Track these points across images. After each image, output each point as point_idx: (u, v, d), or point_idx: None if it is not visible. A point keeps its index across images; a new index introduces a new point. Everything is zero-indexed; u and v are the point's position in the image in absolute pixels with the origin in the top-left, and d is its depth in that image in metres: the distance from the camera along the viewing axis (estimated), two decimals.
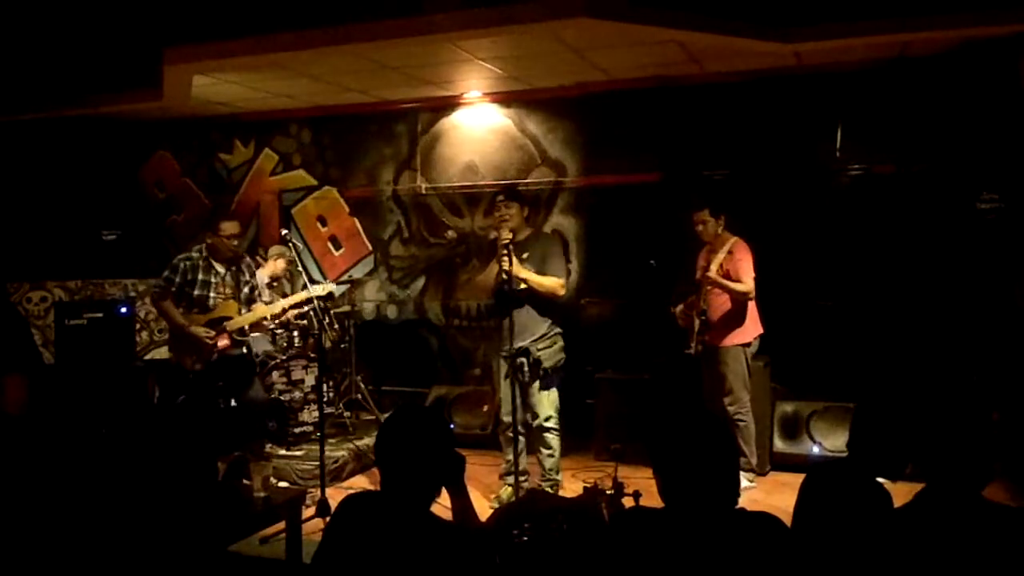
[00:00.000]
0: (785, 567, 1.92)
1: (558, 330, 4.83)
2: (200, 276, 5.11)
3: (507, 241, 4.55)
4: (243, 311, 5.18)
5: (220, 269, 5.17)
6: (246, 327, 5.22)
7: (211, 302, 5.13)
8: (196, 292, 5.10)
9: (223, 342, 5.08)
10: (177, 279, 5.10)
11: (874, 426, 2.22)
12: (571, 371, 5.09)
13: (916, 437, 2.12)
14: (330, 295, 5.52)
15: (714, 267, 4.94)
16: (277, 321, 5.79)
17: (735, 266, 4.97)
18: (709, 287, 5.01)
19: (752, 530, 1.99)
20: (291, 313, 6.46)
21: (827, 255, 6.03)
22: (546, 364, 4.71)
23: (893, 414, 2.19)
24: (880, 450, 2.15)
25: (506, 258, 4.49)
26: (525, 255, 4.74)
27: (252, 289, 5.30)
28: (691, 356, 5.18)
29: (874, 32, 4.71)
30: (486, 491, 5.12)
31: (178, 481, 3.48)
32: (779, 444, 5.62)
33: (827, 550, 1.84)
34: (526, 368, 4.68)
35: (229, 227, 5.11)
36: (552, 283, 4.69)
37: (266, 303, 5.67)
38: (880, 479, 2.47)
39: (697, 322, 5.08)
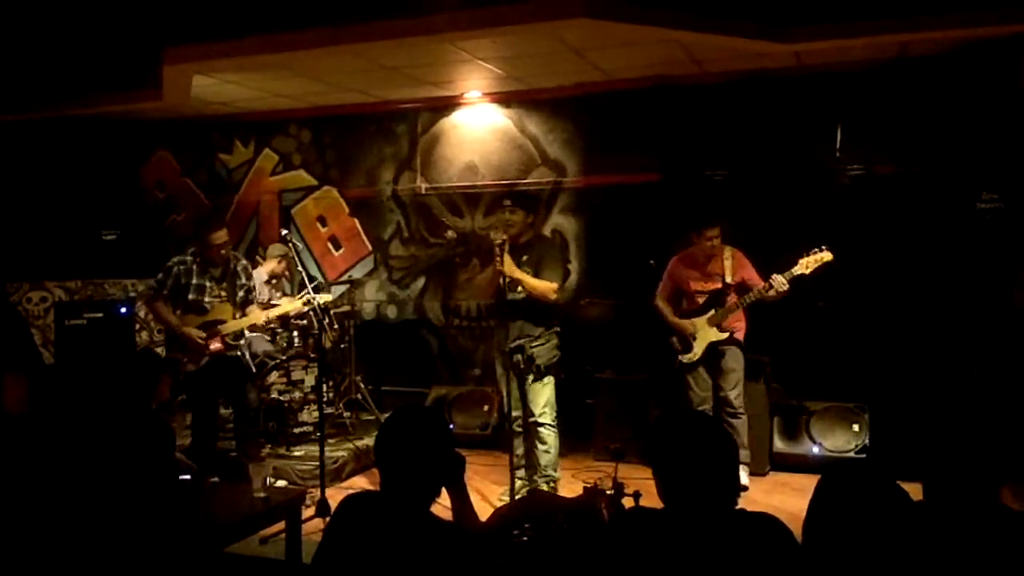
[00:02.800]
0: (785, 568, 1.92)
1: (555, 329, 4.93)
2: (194, 280, 5.08)
3: (501, 241, 4.66)
4: (238, 315, 5.15)
5: (214, 272, 5.14)
6: (245, 331, 5.21)
7: (206, 305, 5.11)
8: (191, 296, 5.07)
9: (215, 345, 5.04)
10: (169, 282, 5.06)
11: (894, 428, 2.22)
12: (571, 371, 5.11)
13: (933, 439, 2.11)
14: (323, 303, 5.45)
15: (728, 276, 5.03)
16: (273, 323, 5.75)
17: (750, 273, 5.05)
18: (731, 298, 5.06)
19: (752, 531, 1.99)
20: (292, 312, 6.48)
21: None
22: (539, 361, 4.81)
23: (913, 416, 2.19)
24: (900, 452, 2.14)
25: (499, 258, 4.62)
26: (525, 258, 4.82)
27: (248, 292, 5.25)
28: (683, 365, 5.23)
29: (874, 32, 4.70)
30: (486, 491, 5.13)
31: (172, 480, 3.47)
32: (779, 444, 5.63)
33: (845, 553, 1.83)
34: (521, 365, 4.80)
35: (217, 237, 5.04)
36: (544, 287, 4.75)
37: (263, 302, 5.66)
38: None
39: (720, 336, 5.11)
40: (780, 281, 4.81)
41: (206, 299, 5.11)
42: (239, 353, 5.23)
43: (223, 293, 5.15)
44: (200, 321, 5.07)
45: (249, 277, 5.31)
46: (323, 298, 5.16)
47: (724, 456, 2.06)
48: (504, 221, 4.83)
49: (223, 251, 5.09)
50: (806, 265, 4.79)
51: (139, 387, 6.30)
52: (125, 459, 2.48)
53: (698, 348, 5.16)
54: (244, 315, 5.16)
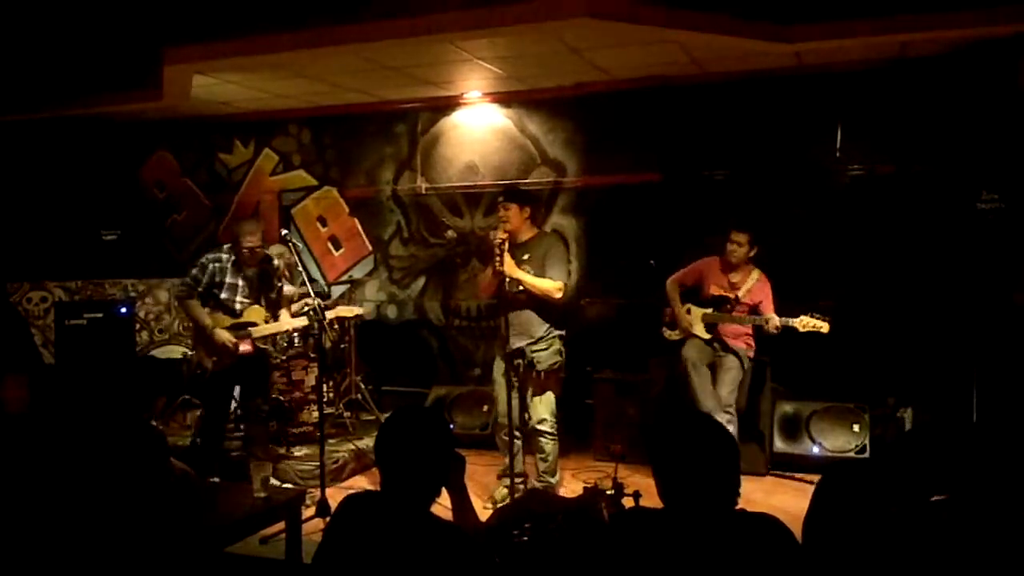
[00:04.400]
0: (786, 569, 1.92)
1: (557, 333, 4.83)
2: (227, 279, 5.01)
3: (500, 241, 4.59)
4: (268, 318, 5.12)
5: (248, 273, 5.09)
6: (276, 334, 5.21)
7: (237, 306, 5.05)
8: (223, 295, 5.00)
9: (245, 347, 5.00)
10: (204, 279, 4.99)
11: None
12: (571, 371, 5.10)
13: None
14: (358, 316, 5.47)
15: (743, 293, 5.09)
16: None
17: (766, 302, 5.07)
18: (737, 311, 5.12)
19: (753, 532, 1.99)
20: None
21: (827, 255, 6.03)
22: (540, 367, 4.71)
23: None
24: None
25: (498, 258, 4.54)
26: (527, 256, 4.74)
27: (279, 294, 5.22)
28: (671, 342, 5.32)
29: (874, 32, 4.70)
30: (486, 491, 5.13)
31: (172, 480, 3.46)
32: (779, 444, 5.63)
33: (844, 554, 1.83)
34: (521, 370, 4.69)
35: (248, 239, 4.98)
36: (547, 285, 4.66)
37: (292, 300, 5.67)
38: None
39: (704, 335, 5.15)
40: (775, 325, 4.93)
41: (238, 299, 5.05)
42: (270, 354, 5.22)
43: (254, 295, 5.12)
44: (231, 322, 5.02)
45: (281, 279, 5.24)
46: (351, 311, 5.44)
47: (724, 457, 2.06)
48: (500, 218, 4.77)
49: (255, 251, 5.02)
50: (802, 324, 4.88)
51: (136, 394, 6.28)
52: (117, 463, 2.48)
53: (681, 331, 5.24)
54: (275, 319, 5.13)
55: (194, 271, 5.04)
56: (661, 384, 5.71)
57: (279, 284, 5.23)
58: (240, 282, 5.05)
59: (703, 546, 1.95)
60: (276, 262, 5.30)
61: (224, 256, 5.04)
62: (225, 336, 4.94)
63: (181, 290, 5.12)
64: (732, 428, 5.05)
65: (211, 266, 5.01)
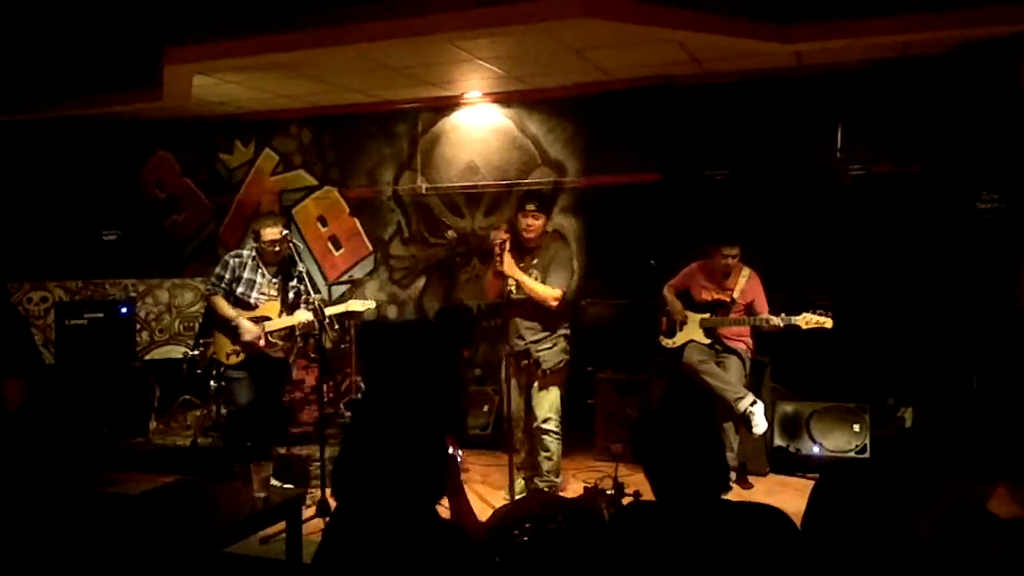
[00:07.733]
0: (791, 561, 1.92)
1: (563, 332, 4.85)
2: (246, 275, 5.08)
3: (500, 241, 4.64)
4: (284, 314, 5.14)
5: (269, 270, 5.14)
6: (294, 328, 5.19)
7: (253, 301, 5.09)
8: (240, 290, 5.06)
9: (260, 342, 5.04)
10: (227, 276, 5.08)
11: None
12: (572, 371, 5.10)
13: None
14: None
15: (737, 293, 5.11)
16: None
17: (760, 299, 5.10)
18: (734, 312, 5.13)
19: (757, 523, 2.00)
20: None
21: (827, 255, 6.03)
22: (545, 366, 4.75)
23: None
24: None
25: (499, 258, 4.60)
26: (535, 260, 4.76)
27: (298, 295, 5.20)
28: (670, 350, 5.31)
29: (874, 32, 4.70)
30: (486, 491, 5.13)
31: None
32: (779, 444, 5.62)
33: (842, 553, 1.83)
34: (526, 369, 4.78)
35: (269, 233, 5.01)
36: (544, 292, 4.65)
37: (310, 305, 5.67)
38: None
39: (704, 340, 5.16)
40: (776, 323, 4.94)
41: (254, 295, 5.09)
42: (282, 354, 5.22)
43: (272, 291, 5.13)
44: (247, 316, 5.06)
45: (302, 281, 5.22)
46: (363, 305, 5.25)
47: (706, 448, 2.09)
48: (527, 226, 4.71)
49: (276, 248, 5.05)
50: (805, 321, 4.87)
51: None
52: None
53: (680, 338, 5.24)
54: (290, 316, 5.14)
55: (218, 269, 5.16)
56: (660, 393, 5.70)
57: (298, 285, 5.18)
58: (259, 279, 5.11)
59: (702, 538, 1.96)
60: (301, 267, 5.26)
61: (245, 252, 5.16)
62: (247, 325, 5.00)
63: (207, 289, 5.28)
64: (759, 408, 4.97)
65: (232, 262, 5.12)
